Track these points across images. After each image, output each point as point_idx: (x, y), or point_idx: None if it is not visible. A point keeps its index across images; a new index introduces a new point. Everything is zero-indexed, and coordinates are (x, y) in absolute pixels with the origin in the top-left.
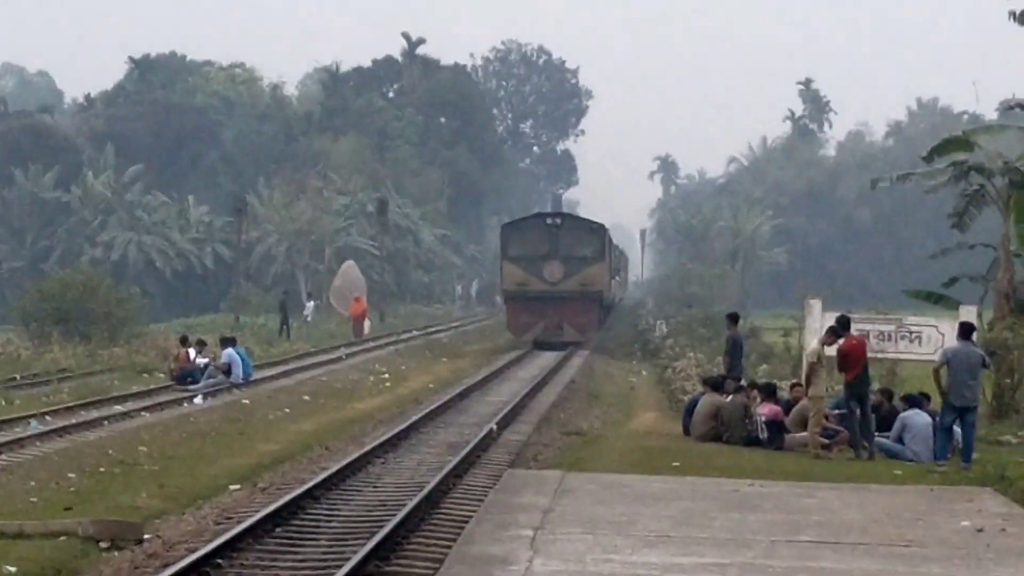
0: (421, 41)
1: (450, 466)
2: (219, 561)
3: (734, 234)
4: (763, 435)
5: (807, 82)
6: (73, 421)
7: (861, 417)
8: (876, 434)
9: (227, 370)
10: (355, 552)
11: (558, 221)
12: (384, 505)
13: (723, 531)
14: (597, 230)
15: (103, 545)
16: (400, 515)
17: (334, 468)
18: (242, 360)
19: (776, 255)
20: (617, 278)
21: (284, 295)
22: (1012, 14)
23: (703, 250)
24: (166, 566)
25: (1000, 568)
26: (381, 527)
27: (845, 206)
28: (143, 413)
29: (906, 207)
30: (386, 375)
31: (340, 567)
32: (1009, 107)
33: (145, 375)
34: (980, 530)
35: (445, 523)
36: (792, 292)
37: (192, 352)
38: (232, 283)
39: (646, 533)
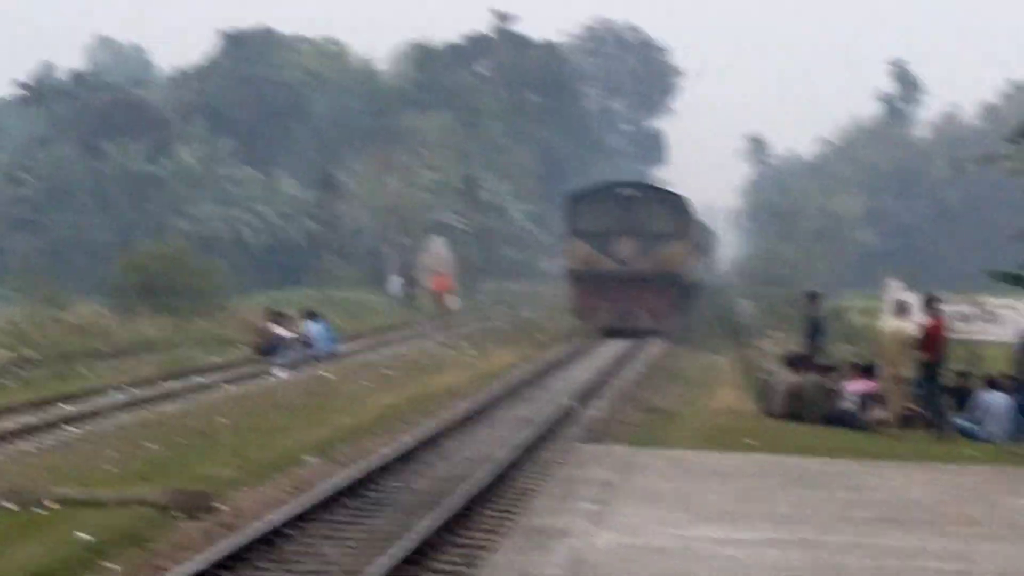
0: (512, 17)
1: (524, 441)
2: (288, 531)
3: (823, 214)
4: (852, 407)
5: (899, 63)
6: (155, 392)
7: (937, 397)
8: (954, 415)
9: (310, 343)
10: (422, 523)
11: (633, 192)
12: (456, 479)
13: (783, 507)
14: (676, 203)
15: (176, 514)
16: (469, 488)
17: (407, 441)
18: (325, 333)
19: (866, 235)
20: (702, 257)
21: (412, 269)
22: None
23: (792, 230)
24: (236, 534)
25: None
26: (450, 499)
27: (936, 187)
28: (224, 385)
29: (998, 189)
30: (471, 351)
31: (406, 539)
32: None
33: (230, 347)
34: None
35: (514, 497)
36: (880, 273)
37: (276, 325)
38: (319, 257)
39: (707, 508)
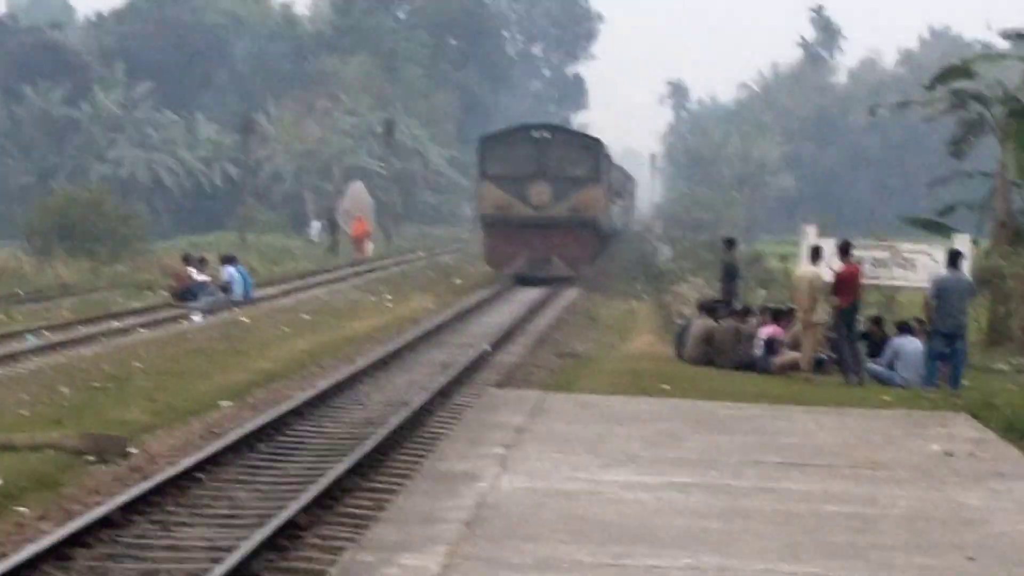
0: None
1: (437, 386)
2: (199, 475)
3: (743, 160)
4: (758, 352)
5: (819, 8)
6: (70, 336)
7: (850, 343)
8: (868, 360)
9: (227, 288)
10: (333, 467)
11: (546, 135)
12: (370, 423)
13: (693, 452)
14: (592, 146)
15: (89, 458)
16: (382, 432)
17: (322, 386)
18: (242, 278)
19: (784, 181)
20: (620, 202)
21: (332, 212)
22: None
23: (712, 175)
24: (147, 479)
25: (960, 490)
26: (362, 444)
27: (854, 134)
28: (140, 330)
29: (916, 135)
30: (388, 295)
31: (317, 482)
32: (1007, 36)
33: (148, 292)
34: (949, 454)
35: (426, 441)
36: (798, 219)
37: (193, 270)
38: (240, 201)
39: (616, 452)
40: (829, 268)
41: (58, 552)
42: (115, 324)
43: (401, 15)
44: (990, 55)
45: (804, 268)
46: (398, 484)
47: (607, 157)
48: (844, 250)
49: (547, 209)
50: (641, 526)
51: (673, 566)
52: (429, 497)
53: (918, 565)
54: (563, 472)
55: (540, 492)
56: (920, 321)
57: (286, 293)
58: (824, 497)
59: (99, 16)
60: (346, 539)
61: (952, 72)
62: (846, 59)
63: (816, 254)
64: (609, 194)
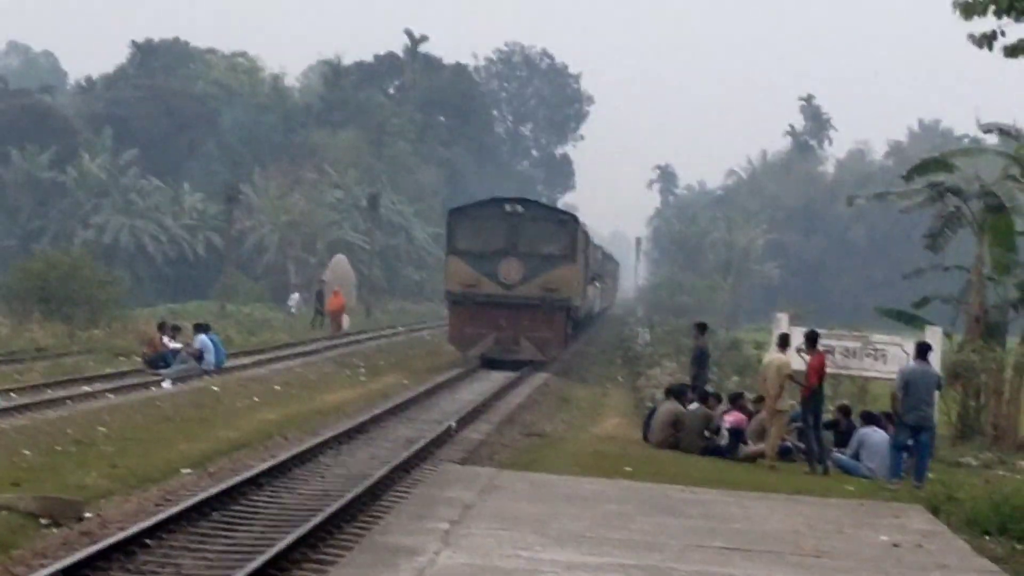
0: (424, 39)
1: (398, 460)
2: (148, 541)
3: (728, 246)
4: (723, 442)
5: (808, 98)
6: (38, 399)
7: (816, 432)
8: (834, 450)
9: (199, 356)
10: (283, 538)
11: (519, 209)
12: (326, 495)
13: (639, 534)
14: (568, 222)
15: (43, 521)
16: (335, 506)
17: (283, 457)
18: (215, 347)
19: (769, 269)
20: (597, 284)
21: (321, 284)
22: (972, 37)
23: (696, 261)
24: (94, 543)
25: None
26: (314, 516)
27: (841, 223)
28: (109, 395)
29: (901, 227)
30: (362, 369)
31: (265, 554)
32: (987, 130)
33: (122, 358)
34: (896, 545)
35: (377, 515)
36: (783, 306)
37: (166, 337)
38: (223, 271)
39: (561, 532)
40: (800, 356)
41: None
42: (85, 388)
43: (391, 91)
44: (968, 149)
45: (772, 355)
46: (340, 556)
47: (584, 235)
48: (811, 340)
49: (517, 288)
50: None
51: None
52: (364, 570)
53: None
54: (504, 550)
55: (477, 569)
56: (888, 414)
57: (260, 363)
58: None
59: (89, 81)
60: None
61: (931, 165)
62: (834, 149)
63: (784, 342)
64: (585, 274)
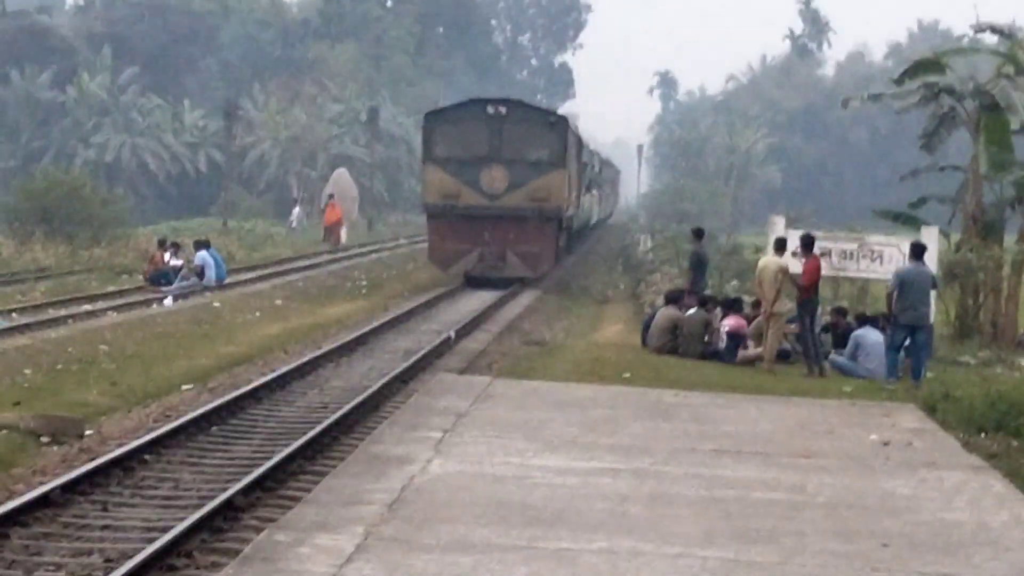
0: None
1: (396, 371)
2: (146, 457)
3: (729, 151)
4: (722, 346)
5: (807, 2)
6: (39, 319)
7: (812, 334)
8: (832, 351)
9: (200, 272)
10: (280, 450)
11: (502, 110)
12: (325, 408)
13: (629, 438)
14: (556, 124)
15: (44, 439)
16: (332, 418)
17: (282, 370)
18: (216, 263)
19: (770, 173)
20: (594, 191)
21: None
22: None
23: (698, 167)
24: (92, 459)
25: (889, 479)
26: (312, 428)
27: (841, 126)
28: (110, 313)
29: (903, 128)
30: (363, 282)
31: (262, 466)
32: (980, 29)
33: (124, 276)
34: (886, 443)
35: (372, 426)
36: (784, 210)
37: (167, 254)
38: (225, 187)
39: (552, 438)
40: (797, 259)
41: None
42: (86, 307)
43: (388, 3)
44: (962, 48)
45: (769, 258)
46: (333, 468)
47: (576, 138)
48: (806, 243)
49: (502, 198)
50: (564, 510)
51: (586, 549)
52: (356, 479)
53: (831, 551)
54: (496, 457)
55: (469, 476)
56: (882, 313)
57: (261, 279)
58: (752, 484)
59: (87, 0)
60: None
61: (924, 66)
62: (834, 52)
63: (780, 246)
64: (579, 181)
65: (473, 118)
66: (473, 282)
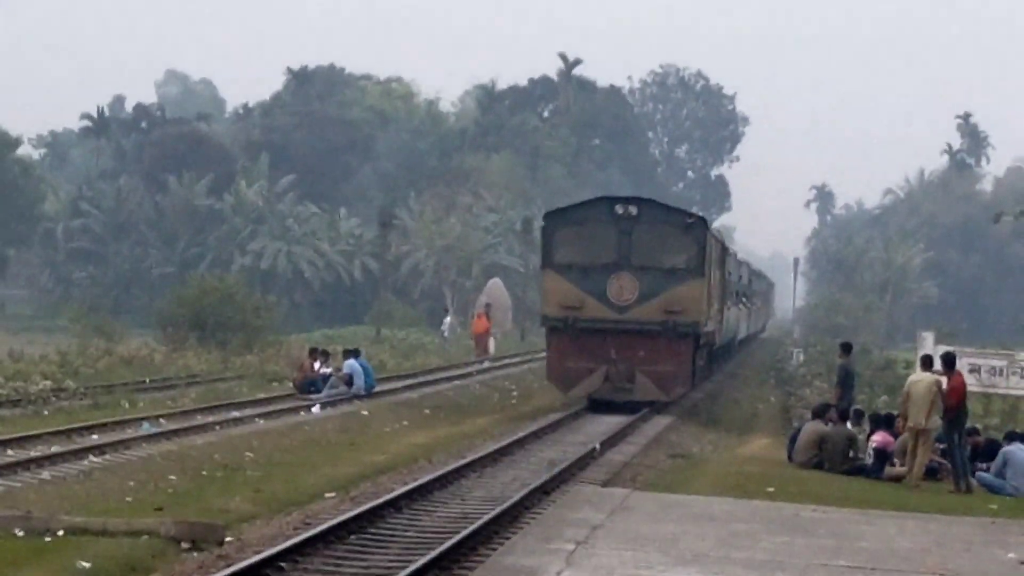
0: (578, 62)
1: (538, 482)
2: (282, 565)
3: (885, 265)
4: (869, 461)
5: (966, 116)
6: (186, 425)
7: (960, 450)
8: (980, 467)
9: (349, 381)
10: (415, 560)
11: (632, 210)
12: (464, 518)
13: (764, 553)
14: (694, 227)
15: (184, 545)
16: (470, 528)
17: (424, 479)
18: (364, 371)
19: (927, 288)
20: (742, 305)
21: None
22: None
23: (853, 281)
24: (228, 566)
25: None
26: (450, 538)
27: (1000, 241)
28: (258, 420)
29: None
30: (514, 392)
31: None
32: None
33: (274, 384)
34: (1023, 562)
35: (508, 536)
36: (938, 326)
37: (317, 363)
38: (379, 295)
39: (685, 551)
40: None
41: None
42: (235, 414)
43: (545, 114)
44: None
45: (920, 375)
46: None
47: (718, 243)
48: (948, 362)
49: (631, 310)
50: None
51: None
52: None
53: None
54: (626, 569)
55: None
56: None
57: (411, 388)
58: None
59: (245, 108)
60: None
61: None
62: (992, 167)
63: (927, 363)
64: (721, 291)
65: (599, 219)
66: (597, 406)
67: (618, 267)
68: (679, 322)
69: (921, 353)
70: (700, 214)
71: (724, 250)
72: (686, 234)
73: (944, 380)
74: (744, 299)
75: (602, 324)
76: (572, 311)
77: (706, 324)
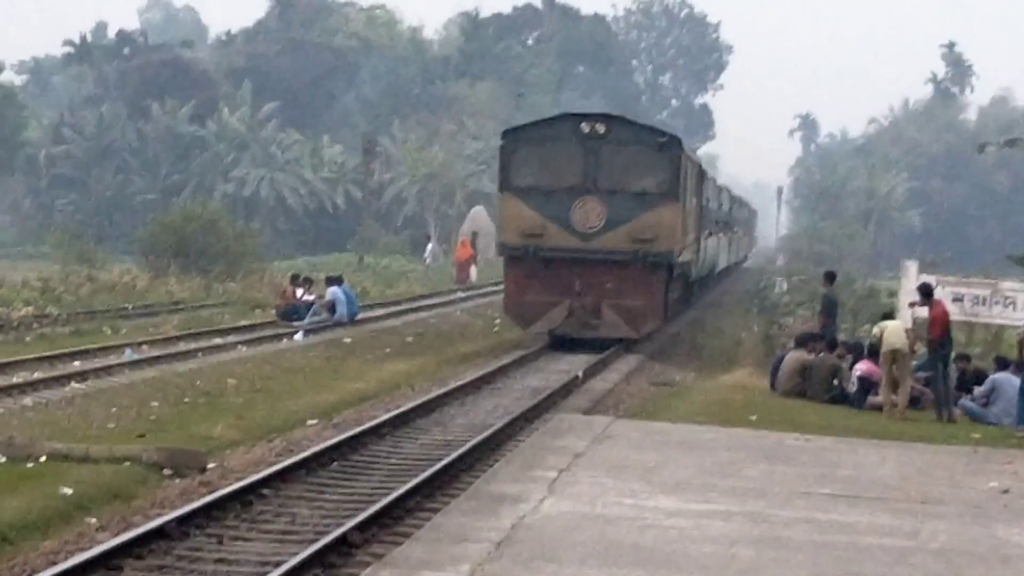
0: None
1: (520, 410)
2: (264, 491)
3: (869, 194)
4: (852, 390)
5: (950, 45)
6: (169, 351)
7: (944, 380)
8: (963, 396)
9: (332, 308)
10: (397, 487)
11: (600, 128)
12: (447, 445)
13: (746, 481)
14: (668, 146)
15: (166, 472)
16: (452, 455)
17: (407, 407)
18: (347, 299)
19: (910, 217)
20: (722, 234)
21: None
22: None
23: (837, 210)
24: (211, 493)
25: (1005, 527)
26: (431, 465)
27: (983, 170)
28: (240, 347)
29: None
30: (497, 320)
31: (379, 502)
32: None
33: (257, 311)
34: (1006, 491)
35: (490, 464)
36: (922, 255)
37: (299, 290)
38: (362, 223)
39: (668, 480)
40: (912, 310)
41: (108, 563)
42: (217, 341)
43: (529, 42)
44: None
45: (890, 324)
46: (445, 506)
47: (695, 165)
48: (926, 292)
49: (597, 238)
50: (672, 552)
51: None
52: (468, 517)
53: None
54: (609, 497)
55: (580, 516)
56: (1015, 360)
57: (394, 315)
58: (865, 529)
59: (228, 35)
60: None
61: None
62: (977, 96)
63: (928, 294)
64: (698, 218)
65: (564, 138)
66: (560, 343)
67: (584, 191)
68: (650, 251)
69: (912, 282)
70: (674, 133)
71: (702, 174)
72: (659, 155)
73: (925, 311)
74: (724, 227)
75: (565, 253)
76: (532, 239)
77: (680, 254)
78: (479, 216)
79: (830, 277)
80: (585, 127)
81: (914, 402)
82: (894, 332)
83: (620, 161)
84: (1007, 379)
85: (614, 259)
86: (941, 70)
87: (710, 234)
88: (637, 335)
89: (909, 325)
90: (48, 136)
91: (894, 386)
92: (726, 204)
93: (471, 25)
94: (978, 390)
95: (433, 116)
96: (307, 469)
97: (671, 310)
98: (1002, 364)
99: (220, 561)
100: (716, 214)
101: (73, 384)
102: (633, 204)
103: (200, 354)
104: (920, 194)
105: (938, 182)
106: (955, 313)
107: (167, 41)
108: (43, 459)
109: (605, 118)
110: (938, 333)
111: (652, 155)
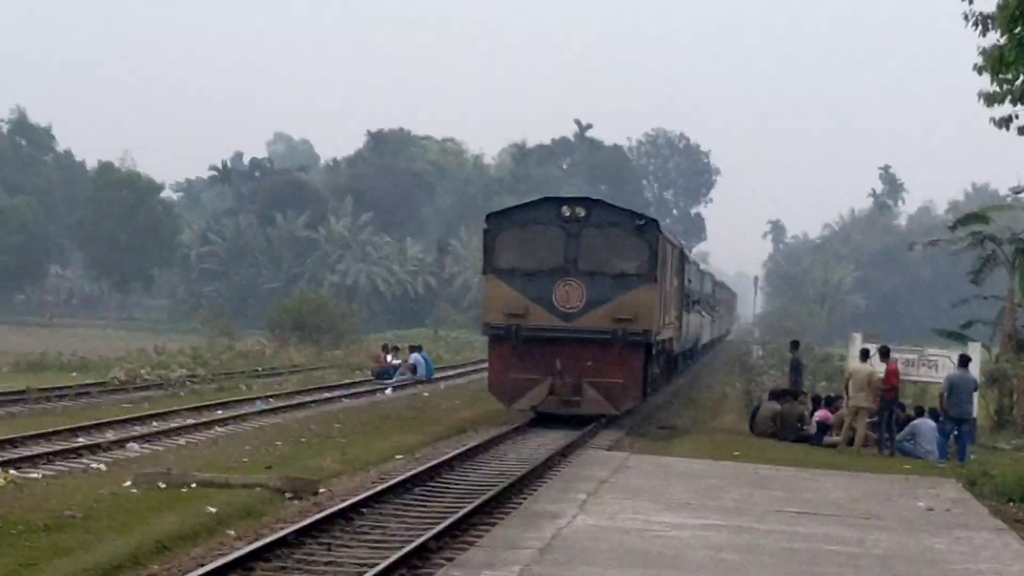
0: (589, 126)
1: (558, 448)
2: (363, 510)
3: (824, 282)
4: (812, 432)
5: (886, 167)
6: (289, 403)
7: (888, 425)
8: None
9: (414, 369)
10: (465, 506)
11: (580, 212)
12: (502, 474)
13: (731, 502)
14: (646, 229)
15: (287, 495)
16: (506, 482)
17: (471, 444)
18: (426, 362)
19: (855, 300)
20: (703, 312)
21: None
22: (993, 120)
23: (800, 294)
24: (321, 511)
25: (930, 537)
26: (490, 489)
27: (912, 264)
28: (344, 399)
29: (958, 266)
30: None
31: (450, 518)
32: (1018, 191)
33: (357, 372)
34: (930, 509)
35: (535, 488)
36: (865, 329)
37: (388, 356)
38: (437, 305)
39: (671, 500)
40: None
41: (243, 566)
42: (326, 395)
43: (564, 166)
44: (1003, 206)
45: (859, 365)
46: (503, 519)
47: (675, 248)
48: (884, 353)
49: (578, 318)
50: (675, 556)
51: None
52: (518, 529)
53: None
54: (626, 514)
55: (604, 528)
56: (934, 410)
57: (462, 375)
58: (824, 539)
59: (335, 161)
60: None
61: (971, 218)
62: (907, 207)
63: (865, 355)
64: (678, 298)
65: (545, 221)
66: (544, 419)
67: (564, 272)
68: (629, 330)
69: (858, 349)
70: (652, 216)
71: (683, 257)
72: (637, 237)
73: (883, 368)
74: (707, 306)
75: (547, 333)
76: (515, 319)
77: (660, 332)
78: None
79: (795, 345)
80: (566, 211)
81: (851, 443)
82: (860, 386)
83: (599, 243)
84: (924, 423)
85: (594, 338)
86: (879, 187)
87: (692, 311)
88: (617, 411)
89: (875, 369)
90: (197, 239)
91: (847, 428)
92: (708, 286)
93: (520, 153)
94: (900, 433)
95: None
96: (395, 493)
97: (653, 384)
98: (919, 412)
99: (329, 564)
100: (699, 294)
101: (216, 428)
102: (612, 285)
103: (313, 405)
104: (863, 282)
105: (877, 273)
106: None
107: (288, 166)
108: (194, 485)
109: (585, 201)
110: (894, 384)
111: (630, 238)
